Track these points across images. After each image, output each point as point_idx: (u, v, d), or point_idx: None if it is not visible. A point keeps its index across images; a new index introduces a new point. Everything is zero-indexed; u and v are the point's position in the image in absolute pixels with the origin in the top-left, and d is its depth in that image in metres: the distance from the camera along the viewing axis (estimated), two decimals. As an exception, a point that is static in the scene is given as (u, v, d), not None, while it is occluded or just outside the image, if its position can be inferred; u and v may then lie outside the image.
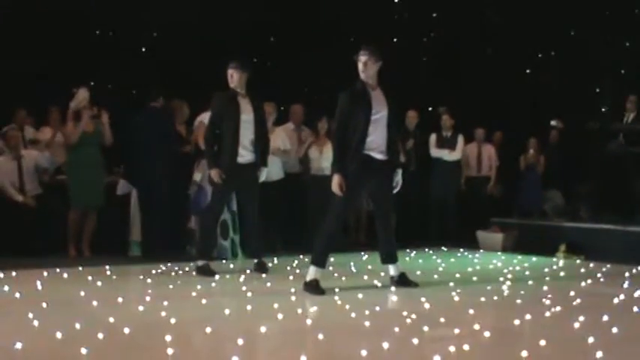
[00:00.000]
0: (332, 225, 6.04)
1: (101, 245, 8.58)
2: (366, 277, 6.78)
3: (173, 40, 11.81)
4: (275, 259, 8.06)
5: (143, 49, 12.43)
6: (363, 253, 8.73)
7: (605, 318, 4.86)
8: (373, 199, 6.39)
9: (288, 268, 7.39)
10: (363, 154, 5.99)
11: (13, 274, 6.77)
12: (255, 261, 7.23)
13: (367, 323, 4.63)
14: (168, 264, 7.49)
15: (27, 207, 8.51)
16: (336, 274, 6.80)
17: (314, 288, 5.90)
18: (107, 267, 7.15)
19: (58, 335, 4.17)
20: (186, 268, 7.13)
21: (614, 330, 4.48)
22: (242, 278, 6.68)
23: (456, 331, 4.46)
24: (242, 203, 7.61)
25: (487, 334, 4.38)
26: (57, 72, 10.49)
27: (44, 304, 5.15)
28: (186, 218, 8.56)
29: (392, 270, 6.37)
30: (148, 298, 5.49)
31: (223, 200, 7.30)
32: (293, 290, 5.93)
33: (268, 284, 6.37)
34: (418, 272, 7.11)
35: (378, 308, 5.23)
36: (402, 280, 6.29)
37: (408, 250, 9.16)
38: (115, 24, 11.80)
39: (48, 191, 8.85)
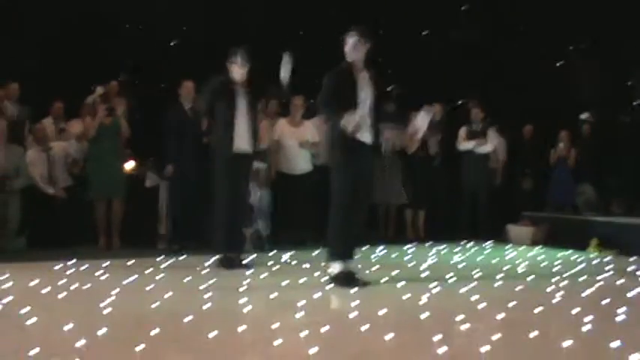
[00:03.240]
0: (338, 215, 5.85)
1: (132, 237, 8.64)
2: (395, 271, 6.73)
3: (202, 35, 11.85)
4: (304, 252, 8.05)
5: (172, 44, 12.49)
6: (389, 248, 8.68)
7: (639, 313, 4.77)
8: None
9: (318, 260, 7.36)
10: (350, 138, 5.79)
11: (45, 265, 6.84)
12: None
13: (395, 316, 4.60)
14: (197, 257, 7.50)
15: (58, 199, 8.60)
16: (366, 268, 6.75)
17: (341, 280, 5.84)
18: (134, 260, 7.19)
19: (85, 324, 4.18)
20: (211, 261, 7.10)
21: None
22: (268, 272, 6.67)
23: (485, 324, 4.41)
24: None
25: (515, 327, 4.33)
26: (87, 66, 10.59)
27: (73, 294, 5.18)
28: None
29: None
30: (170, 291, 5.48)
31: (224, 192, 6.92)
32: (321, 283, 5.91)
33: (296, 277, 6.33)
34: (441, 264, 7.07)
35: (406, 301, 5.19)
36: (349, 279, 5.88)
37: (438, 244, 9.09)
38: (144, 18, 11.87)
39: (78, 182, 8.92)
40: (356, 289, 5.70)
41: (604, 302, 5.24)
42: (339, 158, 5.85)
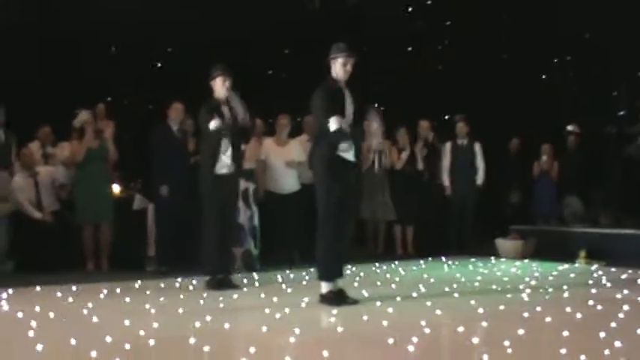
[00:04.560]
0: (325, 234, 5.82)
1: (120, 260, 8.61)
2: (384, 288, 6.72)
3: (188, 55, 11.87)
4: (292, 271, 8.06)
5: (159, 65, 12.52)
6: (378, 264, 8.68)
7: (628, 323, 4.78)
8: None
9: (307, 279, 7.35)
10: (335, 155, 5.81)
11: (37, 289, 6.83)
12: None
13: (385, 334, 4.59)
14: (185, 278, 7.50)
15: (45, 223, 8.56)
16: (355, 285, 6.74)
17: (330, 299, 5.84)
18: (122, 282, 7.17)
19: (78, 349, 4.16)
20: (200, 282, 7.07)
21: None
22: (258, 291, 6.65)
23: (475, 340, 4.41)
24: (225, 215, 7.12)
25: (507, 342, 4.33)
26: (76, 89, 10.60)
27: (62, 320, 5.16)
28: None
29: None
30: (163, 313, 5.47)
31: (212, 213, 6.91)
32: (310, 302, 5.90)
33: (286, 296, 6.33)
34: (432, 280, 7.08)
35: (396, 319, 5.18)
36: (339, 297, 5.88)
37: (427, 259, 9.10)
38: (130, 40, 11.91)
39: (66, 206, 8.89)
40: (346, 307, 5.70)
41: (595, 310, 5.27)
42: (324, 177, 5.85)
